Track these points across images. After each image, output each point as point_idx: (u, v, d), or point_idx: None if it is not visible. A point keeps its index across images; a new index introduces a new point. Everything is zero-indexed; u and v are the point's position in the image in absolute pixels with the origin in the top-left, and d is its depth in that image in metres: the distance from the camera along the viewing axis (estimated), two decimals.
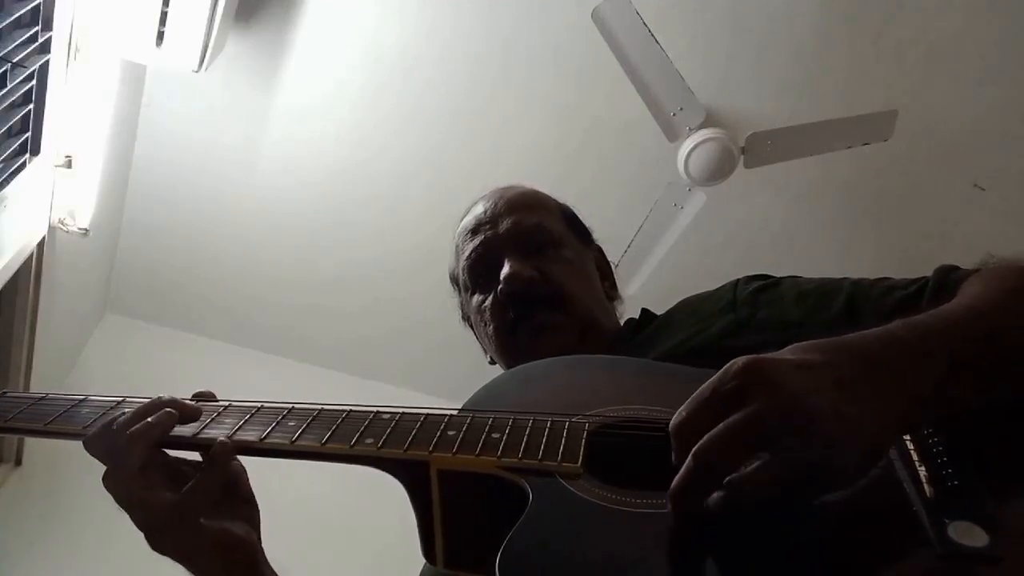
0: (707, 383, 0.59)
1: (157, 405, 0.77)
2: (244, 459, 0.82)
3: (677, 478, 0.57)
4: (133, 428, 0.75)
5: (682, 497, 0.57)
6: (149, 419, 0.76)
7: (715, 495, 0.57)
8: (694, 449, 0.56)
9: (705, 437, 0.56)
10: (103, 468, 0.75)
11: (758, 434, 0.56)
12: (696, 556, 0.58)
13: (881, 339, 0.63)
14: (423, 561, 0.72)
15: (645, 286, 2.79)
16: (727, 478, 0.56)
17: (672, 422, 0.59)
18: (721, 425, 0.56)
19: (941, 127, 2.75)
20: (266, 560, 0.82)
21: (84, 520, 2.67)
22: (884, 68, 2.66)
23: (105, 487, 0.75)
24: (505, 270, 1.07)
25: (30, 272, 2.34)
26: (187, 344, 3.36)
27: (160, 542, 0.74)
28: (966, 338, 0.65)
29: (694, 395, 0.59)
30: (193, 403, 0.80)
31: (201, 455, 0.77)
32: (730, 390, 0.57)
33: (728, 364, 0.59)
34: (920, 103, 2.68)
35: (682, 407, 0.59)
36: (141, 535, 0.79)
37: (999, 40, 2.57)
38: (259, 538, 0.81)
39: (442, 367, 3.01)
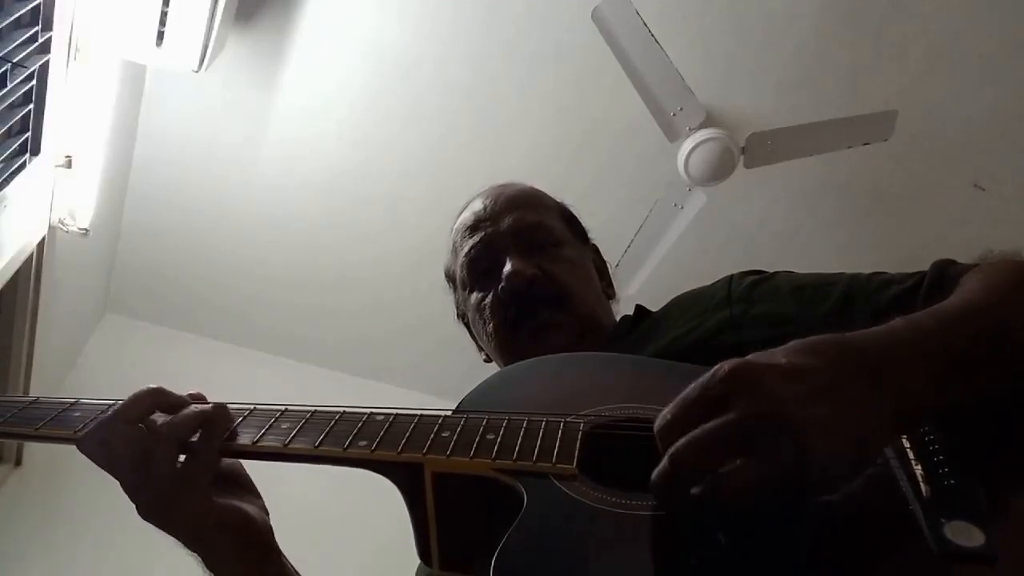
0: (693, 385, 0.59)
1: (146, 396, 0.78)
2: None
3: (654, 474, 0.58)
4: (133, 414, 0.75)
5: (659, 494, 0.58)
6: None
7: (695, 490, 0.57)
8: (671, 450, 0.57)
9: (682, 439, 0.57)
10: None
11: (736, 440, 0.56)
12: (690, 556, 0.58)
13: (879, 341, 0.62)
14: (418, 561, 0.72)
15: (645, 286, 2.79)
16: (706, 477, 0.57)
17: (657, 423, 0.60)
18: (699, 429, 0.57)
19: (941, 127, 2.75)
20: (281, 551, 0.82)
21: (84, 520, 2.68)
22: (884, 68, 2.66)
23: (108, 465, 0.74)
24: (507, 268, 1.06)
25: (30, 272, 2.34)
26: (187, 344, 3.37)
27: (169, 514, 0.73)
28: (966, 336, 0.65)
29: (680, 396, 0.59)
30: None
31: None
32: (714, 395, 0.58)
33: (716, 367, 0.59)
34: (920, 103, 2.68)
35: (667, 408, 0.60)
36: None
37: (999, 40, 2.57)
38: (271, 527, 0.81)
39: (442, 367, 3.01)
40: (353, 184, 3.02)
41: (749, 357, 0.59)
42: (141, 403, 0.76)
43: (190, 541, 0.75)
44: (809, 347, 0.60)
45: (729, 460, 0.56)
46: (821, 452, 0.55)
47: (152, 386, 0.78)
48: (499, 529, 0.61)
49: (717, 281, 1.02)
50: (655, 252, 2.80)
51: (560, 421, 0.70)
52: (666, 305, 1.07)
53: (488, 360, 1.19)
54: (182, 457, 0.75)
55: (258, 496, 0.83)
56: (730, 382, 0.57)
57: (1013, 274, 0.73)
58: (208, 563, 0.77)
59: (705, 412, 0.57)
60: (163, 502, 0.73)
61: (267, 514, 0.82)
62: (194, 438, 0.75)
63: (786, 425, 0.55)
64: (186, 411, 0.76)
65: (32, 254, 2.29)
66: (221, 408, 0.76)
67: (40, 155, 2.04)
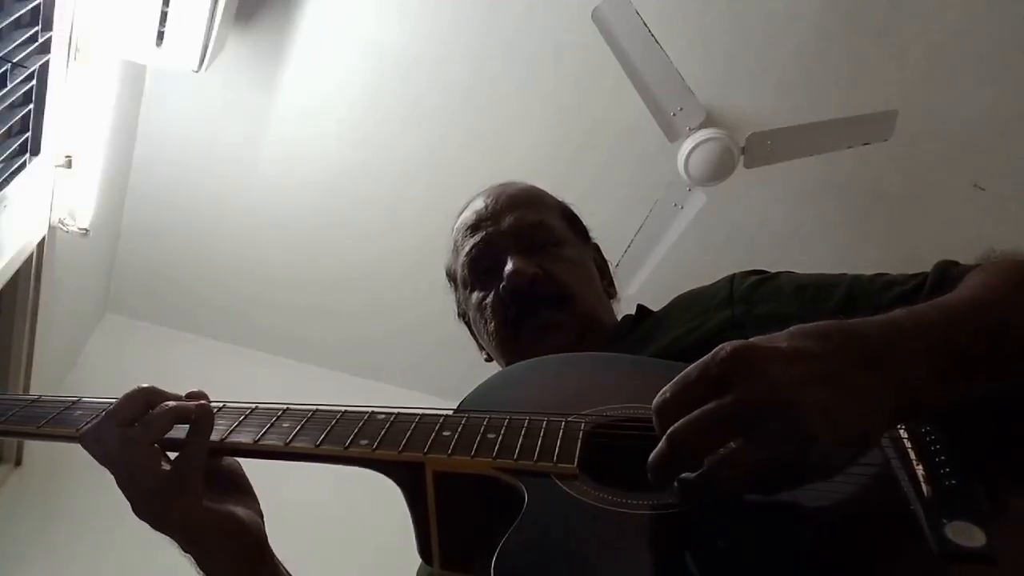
0: (694, 365, 0.59)
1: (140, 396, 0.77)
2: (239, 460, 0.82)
3: (652, 455, 0.58)
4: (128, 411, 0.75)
5: (655, 474, 0.58)
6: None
7: (688, 474, 0.57)
8: (669, 431, 0.57)
9: (681, 420, 0.57)
10: (103, 469, 0.75)
11: (734, 423, 0.56)
12: (691, 556, 0.58)
13: (882, 329, 0.62)
14: (420, 561, 0.72)
15: (645, 286, 2.79)
16: (704, 459, 0.56)
17: (655, 401, 0.60)
18: (699, 410, 0.56)
19: (941, 127, 2.75)
20: (273, 554, 0.82)
21: (84, 520, 2.68)
22: (884, 68, 2.66)
23: (106, 464, 0.74)
24: (508, 267, 1.06)
25: (30, 272, 2.34)
26: (187, 344, 3.37)
27: (161, 514, 0.73)
28: (967, 333, 0.64)
29: (680, 376, 0.59)
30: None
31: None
32: (715, 375, 0.57)
33: (717, 348, 0.59)
34: (920, 103, 2.68)
35: (667, 386, 0.59)
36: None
37: (999, 40, 2.57)
38: (264, 530, 0.81)
39: (442, 367, 3.01)
40: (353, 184, 3.02)
41: (751, 339, 0.59)
42: (134, 402, 0.76)
43: (183, 542, 0.75)
44: (812, 331, 0.60)
45: (727, 442, 0.56)
46: (821, 437, 0.55)
47: (144, 385, 0.78)
48: (500, 528, 0.61)
49: (718, 281, 1.02)
50: (655, 252, 2.80)
51: (561, 421, 0.70)
52: (667, 305, 1.06)
53: (489, 360, 1.19)
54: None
55: (254, 498, 0.83)
56: (731, 363, 0.57)
57: (1014, 273, 0.73)
58: (201, 565, 0.77)
59: (705, 392, 0.57)
60: (155, 501, 0.73)
61: (261, 517, 0.81)
62: (180, 436, 0.75)
63: (786, 409, 0.55)
64: (160, 408, 0.76)
65: (32, 254, 2.29)
66: (203, 407, 0.76)
67: (40, 155, 2.04)
